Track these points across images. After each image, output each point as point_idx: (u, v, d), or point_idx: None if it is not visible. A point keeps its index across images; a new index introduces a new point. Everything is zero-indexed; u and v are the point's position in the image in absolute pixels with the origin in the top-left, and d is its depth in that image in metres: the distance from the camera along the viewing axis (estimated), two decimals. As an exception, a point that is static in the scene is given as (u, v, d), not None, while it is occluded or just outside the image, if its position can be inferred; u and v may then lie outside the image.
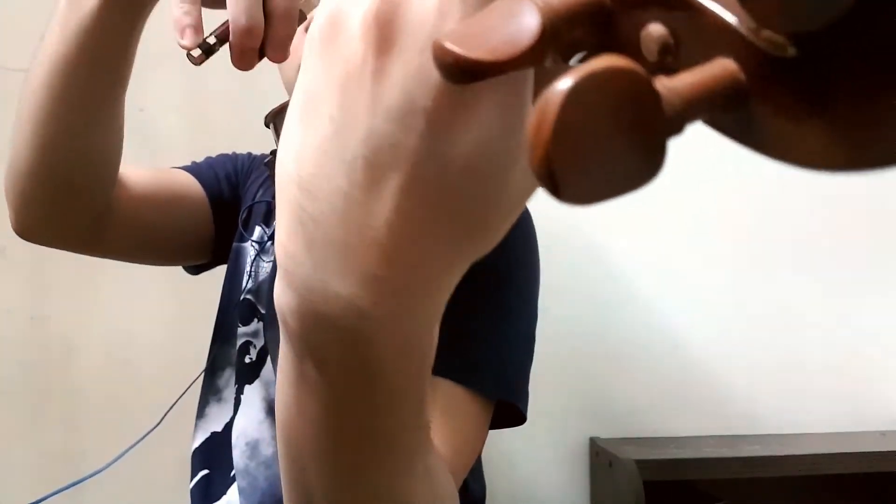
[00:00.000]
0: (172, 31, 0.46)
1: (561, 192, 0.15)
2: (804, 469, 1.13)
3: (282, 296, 0.23)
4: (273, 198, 0.78)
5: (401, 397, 0.26)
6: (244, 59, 0.45)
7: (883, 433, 1.29)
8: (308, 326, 0.23)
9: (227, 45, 0.46)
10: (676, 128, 0.15)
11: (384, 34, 0.19)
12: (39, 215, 0.67)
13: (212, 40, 0.46)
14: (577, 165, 0.15)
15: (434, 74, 0.19)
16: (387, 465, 0.28)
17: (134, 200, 0.71)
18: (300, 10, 0.46)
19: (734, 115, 0.16)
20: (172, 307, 1.21)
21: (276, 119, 0.43)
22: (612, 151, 0.15)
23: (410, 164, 0.20)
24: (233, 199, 0.82)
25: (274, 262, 0.75)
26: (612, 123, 0.14)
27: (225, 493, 0.70)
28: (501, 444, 1.23)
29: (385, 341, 0.23)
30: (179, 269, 0.89)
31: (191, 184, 0.79)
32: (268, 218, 0.80)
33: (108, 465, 0.70)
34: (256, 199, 0.81)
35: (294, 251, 0.22)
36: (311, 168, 0.21)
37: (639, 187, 0.16)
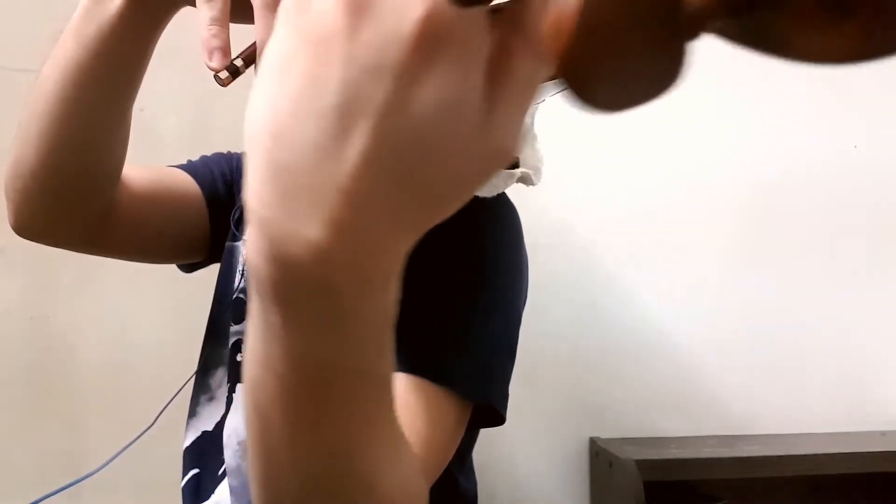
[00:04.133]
0: (199, 51, 0.46)
1: (583, 94, 0.14)
2: (804, 469, 1.13)
3: (255, 243, 0.25)
4: None
5: (359, 345, 0.28)
6: None
7: (883, 433, 1.29)
8: (277, 270, 0.25)
9: (252, 66, 0.46)
10: (695, 28, 0.15)
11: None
12: (40, 215, 0.67)
13: (239, 62, 0.46)
14: (597, 64, 0.14)
15: (403, 34, 0.21)
16: (348, 422, 0.30)
17: (134, 200, 0.72)
18: None
19: (745, 18, 0.16)
20: (172, 307, 1.21)
21: None
22: (632, 53, 0.14)
23: (377, 115, 0.22)
24: (227, 198, 0.83)
25: None
26: (632, 22, 0.14)
27: (214, 493, 0.70)
28: (501, 445, 1.23)
29: (346, 286, 0.25)
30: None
31: (188, 182, 0.79)
32: None
33: (104, 465, 0.70)
34: None
35: (267, 198, 0.24)
36: (286, 119, 0.23)
37: (661, 93, 0.15)
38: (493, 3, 0.22)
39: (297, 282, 0.25)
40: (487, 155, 0.24)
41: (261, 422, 0.31)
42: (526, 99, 0.24)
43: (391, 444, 0.34)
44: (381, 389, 0.31)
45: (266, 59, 0.24)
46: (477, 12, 0.22)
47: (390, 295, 0.27)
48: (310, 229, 0.23)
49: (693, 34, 0.15)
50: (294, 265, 0.24)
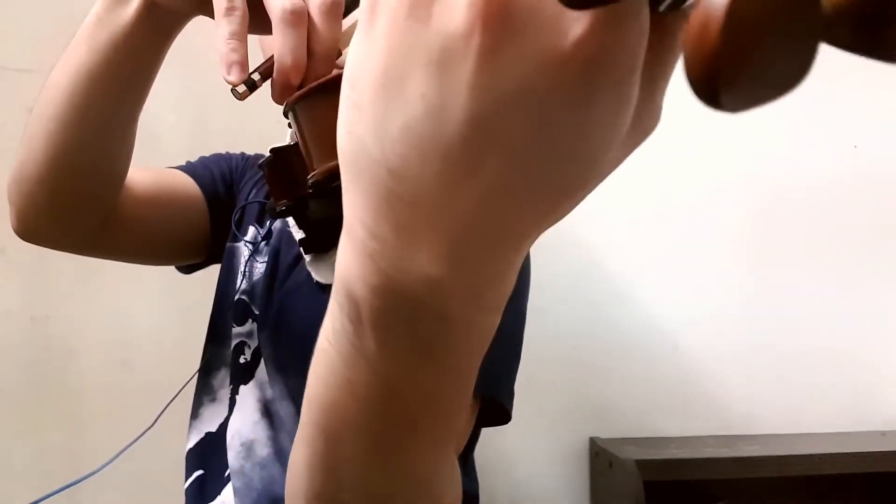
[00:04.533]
0: (219, 66, 0.46)
1: (721, 97, 0.14)
2: (804, 469, 1.13)
3: (361, 272, 0.23)
4: (266, 198, 0.78)
5: (457, 375, 0.26)
6: (284, 95, 0.46)
7: (883, 433, 1.29)
8: (387, 303, 0.23)
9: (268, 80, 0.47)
10: (827, 32, 0.15)
11: (497, 11, 0.18)
12: (44, 219, 0.68)
13: (256, 76, 0.47)
14: (741, 68, 0.14)
15: (556, 58, 0.18)
16: (425, 444, 0.29)
17: (136, 202, 0.72)
18: (339, 49, 0.47)
19: (872, 27, 0.16)
20: (172, 307, 1.21)
21: (296, 106, 0.43)
22: (771, 53, 0.14)
23: (514, 148, 0.19)
24: (228, 199, 0.83)
25: (269, 263, 0.75)
26: (775, 22, 0.14)
27: (219, 494, 0.70)
28: (501, 444, 1.24)
29: (461, 320, 0.23)
30: (180, 269, 0.89)
31: (188, 184, 0.80)
32: (261, 218, 0.80)
33: (104, 465, 0.70)
34: (250, 200, 0.82)
35: (381, 232, 0.22)
36: (401, 149, 0.20)
37: (787, 92, 0.15)
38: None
39: (407, 312, 0.23)
40: (632, 142, 0.22)
41: (328, 443, 0.29)
42: (670, 78, 0.21)
43: (454, 458, 0.34)
44: (461, 413, 0.30)
45: (359, 68, 0.21)
46: (644, 20, 0.19)
47: (497, 321, 0.25)
48: (429, 263, 0.21)
49: (826, 35, 0.15)
50: (407, 298, 0.22)
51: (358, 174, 0.22)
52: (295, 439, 0.32)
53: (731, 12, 0.14)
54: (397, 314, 0.23)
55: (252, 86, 0.47)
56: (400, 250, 0.22)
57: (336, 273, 0.24)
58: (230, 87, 0.46)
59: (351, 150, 0.22)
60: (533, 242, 0.23)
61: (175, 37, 0.58)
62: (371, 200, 0.22)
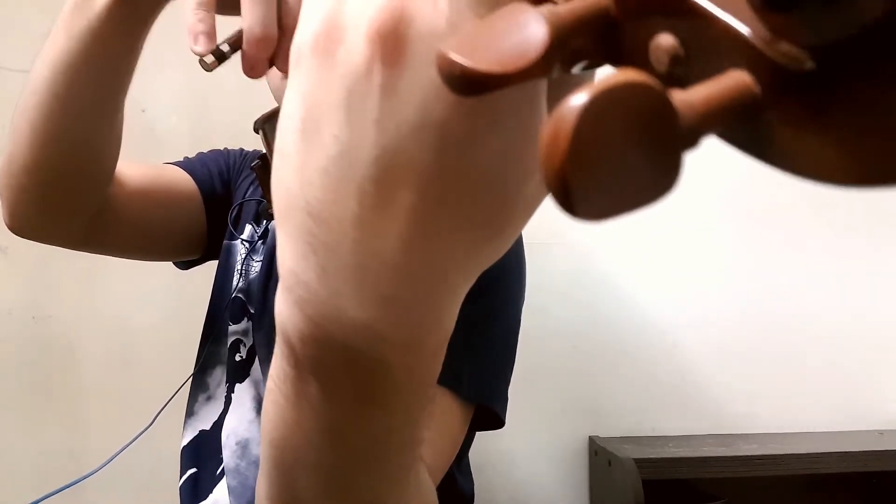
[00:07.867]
0: (186, 37, 0.46)
1: (575, 207, 0.14)
2: (802, 468, 1.13)
3: (293, 321, 0.23)
4: (262, 197, 0.78)
5: (405, 416, 0.26)
6: (255, 68, 0.46)
7: (881, 432, 1.29)
8: (321, 351, 0.23)
9: (239, 53, 0.46)
10: (691, 142, 0.15)
11: (392, 47, 0.18)
12: (34, 211, 0.67)
13: (225, 47, 0.46)
14: (591, 181, 0.14)
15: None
16: (384, 478, 0.29)
17: (129, 197, 0.72)
18: None
19: (745, 127, 0.16)
20: (174, 307, 1.22)
21: (265, 125, 0.44)
22: (626, 166, 0.14)
23: (425, 181, 0.19)
24: (225, 196, 0.83)
25: (265, 261, 0.76)
26: (628, 138, 0.14)
27: (212, 492, 0.70)
28: (501, 444, 1.24)
29: (400, 364, 0.23)
30: (182, 268, 0.89)
31: (185, 180, 0.79)
32: (258, 216, 0.81)
33: (104, 465, 0.71)
34: (247, 198, 0.81)
35: (306, 278, 0.21)
36: (319, 192, 0.20)
37: (654, 202, 0.15)
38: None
39: (342, 360, 0.23)
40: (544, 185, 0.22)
41: (283, 478, 0.29)
42: None
43: (419, 484, 0.33)
44: (416, 446, 0.29)
45: (285, 118, 0.21)
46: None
47: (441, 359, 0.25)
48: (357, 309, 0.21)
49: (689, 144, 0.15)
50: (340, 345, 0.22)
51: (284, 219, 0.22)
52: (259, 471, 0.32)
53: (578, 130, 0.14)
54: (333, 361, 0.23)
55: (220, 56, 0.46)
56: (326, 297, 0.21)
57: (275, 319, 0.24)
58: (198, 58, 0.46)
59: (279, 195, 0.22)
60: (472, 281, 0.23)
61: (152, 22, 0.58)
62: (297, 246, 0.21)
